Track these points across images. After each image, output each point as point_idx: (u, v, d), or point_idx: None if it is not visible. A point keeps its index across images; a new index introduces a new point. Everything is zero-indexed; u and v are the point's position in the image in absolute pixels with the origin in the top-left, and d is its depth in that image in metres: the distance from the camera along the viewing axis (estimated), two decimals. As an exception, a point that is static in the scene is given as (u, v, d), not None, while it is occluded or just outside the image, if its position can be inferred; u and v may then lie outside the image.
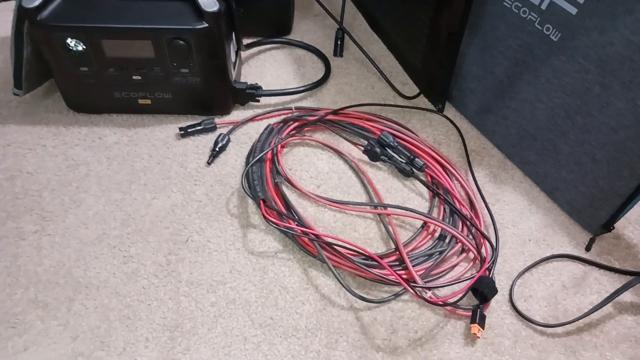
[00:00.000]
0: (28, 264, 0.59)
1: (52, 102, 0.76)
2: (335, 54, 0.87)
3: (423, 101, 0.80)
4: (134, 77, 0.70)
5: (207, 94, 0.73)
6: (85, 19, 0.65)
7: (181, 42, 0.66)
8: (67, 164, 0.69)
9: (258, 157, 0.68)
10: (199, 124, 0.73)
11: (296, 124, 0.74)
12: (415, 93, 0.80)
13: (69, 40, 0.66)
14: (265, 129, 0.73)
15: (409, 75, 0.84)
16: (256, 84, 0.77)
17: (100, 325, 0.55)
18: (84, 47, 0.66)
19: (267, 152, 0.69)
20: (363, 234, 0.64)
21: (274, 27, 0.88)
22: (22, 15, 0.65)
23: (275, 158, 0.69)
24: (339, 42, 0.87)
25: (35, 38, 0.66)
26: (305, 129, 0.75)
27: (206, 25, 0.65)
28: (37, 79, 0.75)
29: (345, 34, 0.88)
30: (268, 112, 0.77)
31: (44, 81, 0.77)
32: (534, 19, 0.62)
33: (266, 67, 0.85)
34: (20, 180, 0.67)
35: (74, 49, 0.66)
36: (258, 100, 0.78)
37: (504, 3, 0.65)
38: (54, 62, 0.68)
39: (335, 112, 0.75)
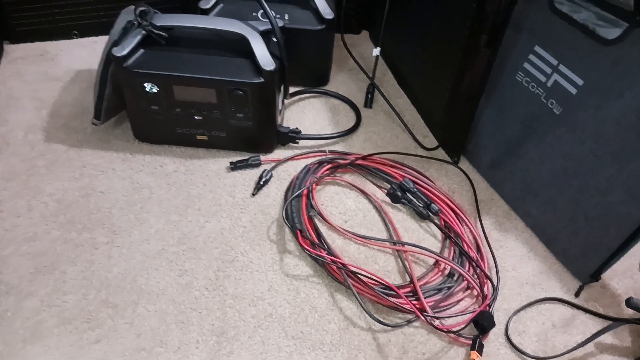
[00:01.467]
0: (100, 270, 0.70)
1: (121, 131, 0.89)
2: (365, 105, 0.99)
3: (441, 153, 0.91)
4: (196, 117, 0.82)
5: (256, 135, 0.85)
6: (162, 68, 0.78)
7: (240, 92, 0.78)
8: (133, 186, 0.81)
9: (297, 194, 0.79)
10: (246, 160, 0.85)
11: (329, 165, 0.85)
12: (435, 145, 0.91)
13: (146, 84, 0.78)
14: (304, 169, 0.84)
15: (429, 128, 0.96)
16: (296, 128, 0.89)
17: (159, 327, 0.65)
18: (158, 89, 0.79)
19: (304, 190, 0.80)
20: (383, 266, 0.74)
21: (314, 78, 1.01)
22: (111, 60, 0.78)
23: (311, 194, 0.80)
24: (369, 96, 0.99)
25: (118, 80, 0.79)
26: (337, 170, 0.86)
27: (262, 80, 0.78)
28: (112, 111, 0.87)
29: (375, 89, 1.00)
30: (305, 153, 0.88)
31: (117, 114, 0.90)
32: (541, 94, 0.73)
33: (305, 113, 0.97)
34: (94, 198, 0.79)
35: (150, 91, 0.79)
36: (297, 142, 0.89)
37: (516, 77, 0.77)
38: (131, 100, 0.81)
39: (363, 158, 0.86)
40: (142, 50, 0.79)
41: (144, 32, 0.78)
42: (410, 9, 0.96)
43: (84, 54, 1.04)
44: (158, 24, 0.78)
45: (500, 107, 0.81)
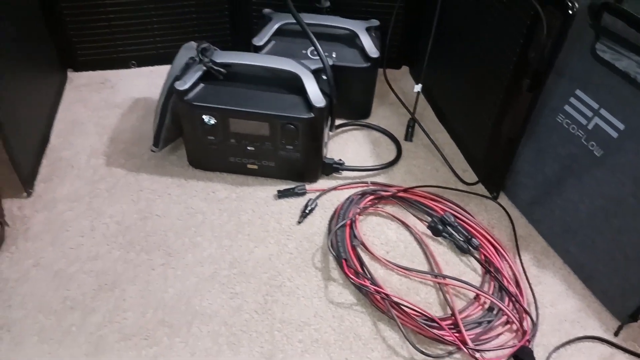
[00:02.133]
0: (157, 290, 0.75)
1: (176, 158, 0.95)
2: (406, 139, 1.03)
3: (480, 188, 0.94)
4: (249, 148, 0.87)
5: (303, 166, 0.90)
6: (220, 102, 0.83)
7: (292, 126, 0.83)
8: (187, 211, 0.86)
9: (341, 224, 0.82)
10: (293, 189, 0.89)
11: (372, 197, 0.89)
12: (474, 180, 0.94)
13: (204, 116, 0.84)
14: (347, 199, 0.88)
15: (469, 163, 0.99)
16: (340, 159, 0.93)
17: (212, 347, 0.69)
18: (215, 121, 0.84)
19: (347, 220, 0.84)
20: (424, 298, 0.77)
21: (357, 112, 1.05)
22: (172, 93, 0.84)
23: (354, 225, 0.84)
24: (410, 129, 1.03)
25: (178, 111, 0.85)
26: (379, 201, 0.89)
27: (313, 116, 0.83)
28: (170, 139, 0.93)
29: (415, 123, 1.04)
30: (348, 184, 0.92)
31: (173, 141, 0.95)
32: (581, 136, 0.76)
33: (348, 145, 1.01)
34: (151, 221, 0.84)
35: (207, 122, 0.84)
36: (341, 173, 0.94)
37: (557, 118, 0.79)
38: (189, 130, 0.87)
39: (405, 190, 0.90)
40: (202, 85, 0.84)
41: (204, 67, 0.84)
42: (452, 47, 1.00)
43: (142, 82, 1.12)
44: (217, 61, 0.84)
45: (540, 146, 0.84)
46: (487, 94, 0.89)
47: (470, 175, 0.97)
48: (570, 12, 0.69)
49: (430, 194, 0.90)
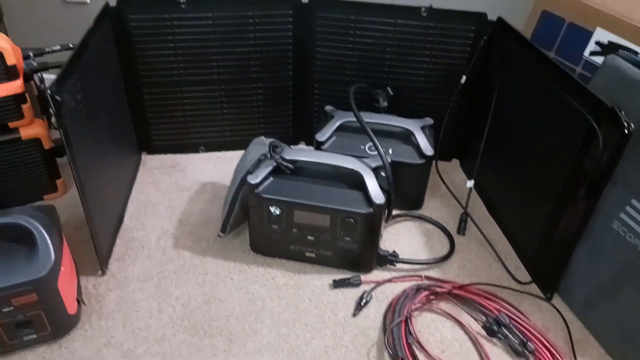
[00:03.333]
0: (218, 376, 0.78)
1: (239, 242, 1.00)
2: (458, 232, 1.06)
3: (534, 287, 0.95)
4: (309, 237, 0.92)
5: (359, 257, 0.93)
6: (287, 195, 0.89)
7: (351, 220, 0.88)
8: (248, 297, 0.90)
9: (397, 322, 0.84)
10: (348, 279, 0.92)
11: (427, 292, 0.91)
12: (527, 278, 0.95)
13: (271, 207, 0.90)
14: (403, 293, 0.90)
15: (521, 261, 1.00)
16: (394, 251, 0.97)
17: None
18: (280, 212, 0.90)
19: (403, 317, 0.85)
20: (480, 402, 0.76)
21: (409, 203, 1.10)
22: (243, 184, 0.91)
23: (410, 322, 0.86)
24: (462, 223, 1.06)
25: (248, 201, 0.92)
26: (434, 297, 0.91)
27: (372, 211, 0.87)
28: (235, 226, 0.99)
29: (468, 217, 1.07)
30: (402, 276, 0.95)
31: (237, 227, 1.01)
32: (638, 244, 0.77)
33: (401, 236, 1.04)
34: (214, 305, 0.88)
35: (273, 213, 0.90)
36: (395, 265, 0.96)
37: (612, 225, 0.81)
38: (255, 218, 0.93)
39: (460, 287, 0.91)
40: (271, 179, 0.91)
41: (274, 163, 0.91)
42: (505, 144, 1.05)
43: (209, 167, 1.20)
44: (286, 157, 0.92)
45: (595, 248, 0.85)
46: (541, 195, 0.92)
47: (523, 273, 0.98)
48: (626, 131, 0.73)
49: (484, 292, 0.91)
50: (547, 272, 0.93)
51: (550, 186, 0.89)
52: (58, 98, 0.73)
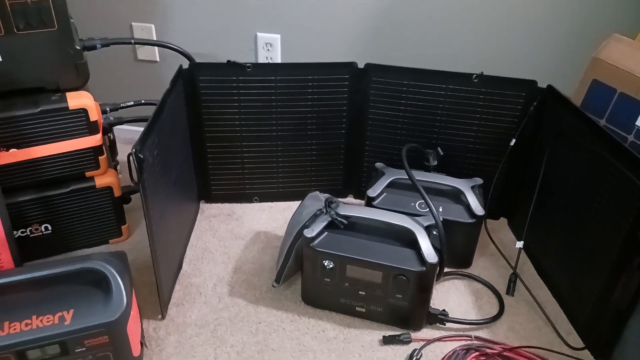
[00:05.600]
0: None
1: (290, 293, 1.04)
2: (507, 293, 1.06)
3: (586, 353, 0.93)
4: (360, 292, 0.95)
5: (409, 314, 0.95)
6: (341, 250, 0.93)
7: (404, 277, 0.90)
8: (299, 348, 0.92)
9: (448, 379, 0.85)
10: (398, 336, 0.94)
11: (477, 353, 0.91)
12: (579, 344, 0.94)
13: (325, 261, 0.93)
14: (453, 353, 0.91)
15: (573, 326, 0.99)
16: (444, 310, 0.98)
17: None
18: (333, 265, 0.94)
19: (453, 374, 0.86)
20: None
21: (458, 261, 1.11)
22: (299, 237, 0.95)
23: (460, 381, 0.86)
24: (512, 284, 1.06)
25: (303, 254, 0.96)
26: (484, 358, 0.91)
27: (425, 269, 0.90)
28: (288, 276, 1.03)
29: (517, 278, 1.07)
30: (452, 336, 0.96)
31: (290, 277, 1.05)
32: (699, 317, 0.76)
33: (449, 294, 1.06)
34: (267, 355, 0.91)
35: (327, 266, 0.94)
36: (445, 324, 0.97)
37: (670, 295, 0.80)
38: (309, 271, 0.96)
39: (510, 350, 0.91)
40: (326, 233, 0.95)
41: (329, 218, 0.95)
42: (555, 207, 1.06)
43: (263, 216, 1.26)
44: (341, 213, 0.96)
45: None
46: (594, 262, 0.92)
47: (574, 338, 0.97)
48: (682, 203, 0.74)
49: (536, 355, 0.91)
50: (601, 340, 0.92)
51: (604, 253, 0.89)
52: (141, 156, 0.81)
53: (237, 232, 1.21)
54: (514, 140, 1.13)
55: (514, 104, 1.12)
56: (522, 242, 1.08)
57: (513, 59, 1.27)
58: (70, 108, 0.99)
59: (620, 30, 1.05)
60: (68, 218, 1.09)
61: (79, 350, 0.79)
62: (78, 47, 1.00)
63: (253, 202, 1.31)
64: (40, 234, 1.08)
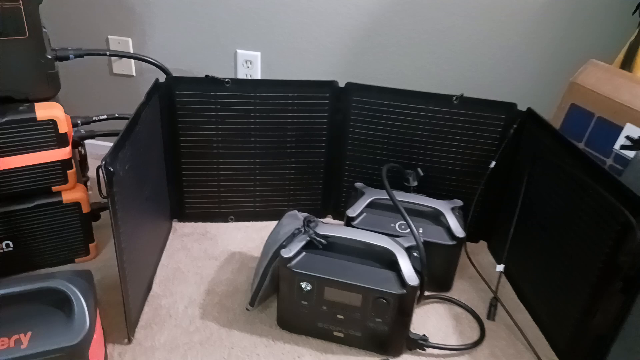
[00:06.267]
0: None
1: (265, 316, 0.99)
2: (488, 317, 1.04)
3: (567, 380, 0.92)
4: (338, 316, 0.91)
5: (388, 338, 0.92)
6: (319, 271, 0.90)
7: (384, 300, 0.87)
8: (275, 374, 0.88)
9: (428, 407, 0.82)
10: (377, 362, 0.91)
11: (457, 379, 0.88)
12: (561, 371, 0.92)
13: (302, 283, 0.90)
14: (433, 380, 0.88)
15: (553, 350, 0.97)
16: (424, 335, 0.94)
17: None
18: (311, 288, 0.90)
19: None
20: None
21: (438, 284, 1.09)
22: (276, 258, 0.92)
23: (440, 409, 0.83)
24: (492, 308, 1.04)
25: (279, 275, 0.92)
26: (464, 385, 0.89)
27: (405, 292, 0.87)
28: (263, 298, 0.99)
29: (498, 302, 1.05)
30: (432, 362, 0.93)
31: (265, 300, 1.01)
32: (680, 342, 0.75)
33: (429, 318, 1.03)
34: (240, 381, 0.86)
35: (304, 288, 0.90)
36: (424, 350, 0.94)
37: (650, 320, 0.79)
38: (285, 293, 0.93)
39: (491, 376, 0.89)
40: (303, 253, 0.92)
41: (307, 238, 0.92)
42: (534, 231, 1.05)
43: (238, 236, 1.22)
44: (320, 232, 0.93)
45: (629, 345, 0.83)
46: (573, 286, 0.91)
47: (556, 364, 0.95)
48: (663, 226, 0.73)
49: (517, 382, 0.89)
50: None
51: (584, 277, 0.89)
52: (111, 169, 0.77)
53: (211, 252, 1.16)
54: (493, 163, 1.13)
55: (493, 126, 1.12)
56: (502, 266, 1.07)
57: (493, 82, 1.28)
58: (38, 119, 0.95)
59: (598, 56, 1.08)
60: (32, 235, 1.03)
61: (36, 376, 0.74)
62: (49, 57, 0.96)
63: (228, 221, 1.27)
64: (1, 251, 1.01)
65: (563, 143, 0.96)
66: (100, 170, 0.77)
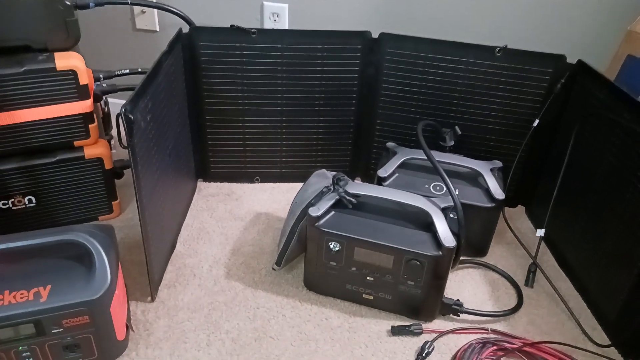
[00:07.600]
0: (268, 421, 0.72)
1: (292, 277, 0.96)
2: (526, 284, 0.98)
3: (613, 350, 0.85)
4: (368, 278, 0.87)
5: (421, 303, 0.87)
6: (349, 231, 0.85)
7: (417, 262, 0.82)
8: (301, 337, 0.85)
9: (464, 375, 0.77)
10: (409, 327, 0.86)
11: (494, 347, 0.83)
12: (606, 341, 0.86)
13: (331, 243, 0.86)
14: (469, 347, 0.83)
15: (599, 323, 0.91)
16: (458, 300, 0.90)
17: None
18: (340, 248, 0.86)
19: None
20: None
21: (474, 249, 1.03)
22: (303, 217, 0.87)
23: (476, 378, 0.78)
24: (531, 275, 0.98)
25: (307, 234, 0.88)
26: (503, 354, 0.83)
27: (441, 254, 0.82)
28: (290, 259, 0.95)
29: (537, 269, 0.99)
30: (467, 328, 0.88)
31: (292, 260, 0.97)
32: None
33: (464, 284, 0.98)
34: (265, 343, 0.83)
35: (333, 248, 0.86)
36: (459, 315, 0.89)
37: None
38: (313, 253, 0.88)
39: (531, 345, 0.83)
40: (332, 212, 0.87)
41: (337, 196, 0.87)
42: (580, 195, 0.98)
43: (264, 197, 1.18)
44: (350, 191, 0.88)
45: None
46: (626, 255, 0.84)
47: (600, 335, 0.89)
48: None
49: (559, 352, 0.83)
50: (630, 337, 0.84)
51: (637, 246, 0.81)
52: (131, 117, 0.73)
53: (236, 213, 1.13)
54: (536, 121, 1.05)
55: (539, 81, 1.03)
56: (543, 231, 1.00)
57: (540, 32, 1.18)
58: (57, 69, 0.91)
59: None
60: (54, 190, 1.01)
61: (56, 330, 0.71)
62: (69, 3, 0.92)
63: (254, 182, 1.23)
64: (24, 206, 1.00)
65: (621, 97, 0.87)
66: (120, 118, 0.73)
